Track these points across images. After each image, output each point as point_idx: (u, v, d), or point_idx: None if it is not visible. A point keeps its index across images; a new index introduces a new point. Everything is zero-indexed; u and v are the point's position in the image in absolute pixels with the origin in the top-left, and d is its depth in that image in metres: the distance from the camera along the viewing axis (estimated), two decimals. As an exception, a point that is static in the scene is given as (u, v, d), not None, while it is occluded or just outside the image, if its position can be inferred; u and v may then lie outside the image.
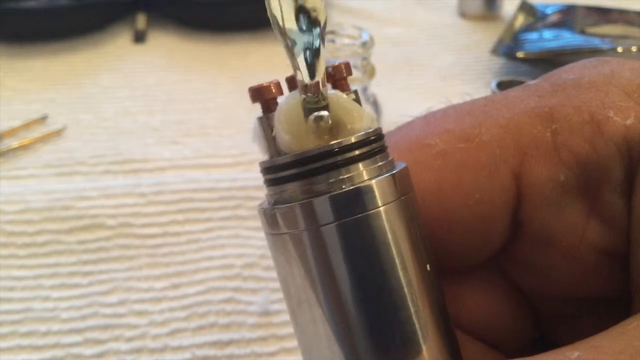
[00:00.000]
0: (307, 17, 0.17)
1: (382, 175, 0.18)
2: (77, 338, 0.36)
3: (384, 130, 0.20)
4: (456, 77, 0.66)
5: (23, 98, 0.60)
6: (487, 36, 0.73)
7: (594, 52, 0.62)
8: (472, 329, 0.23)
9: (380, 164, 0.18)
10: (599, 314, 0.22)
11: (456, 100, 0.23)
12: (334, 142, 0.18)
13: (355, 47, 0.49)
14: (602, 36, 0.66)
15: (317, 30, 0.17)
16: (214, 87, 0.63)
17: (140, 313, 0.38)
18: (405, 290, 0.17)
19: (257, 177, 0.20)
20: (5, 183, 0.48)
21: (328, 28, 0.49)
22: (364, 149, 0.18)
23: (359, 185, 0.17)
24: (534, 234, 0.21)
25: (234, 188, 0.47)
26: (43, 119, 0.56)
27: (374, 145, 0.18)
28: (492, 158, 0.20)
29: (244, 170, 0.50)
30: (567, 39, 0.66)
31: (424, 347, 0.18)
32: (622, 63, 0.20)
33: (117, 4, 0.73)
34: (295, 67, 0.17)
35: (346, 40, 0.50)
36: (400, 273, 0.17)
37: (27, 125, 0.55)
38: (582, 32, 0.67)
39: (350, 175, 0.17)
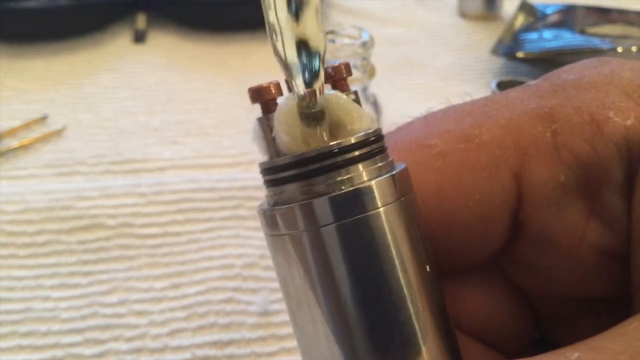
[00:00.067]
0: (307, 50, 0.17)
1: (381, 176, 0.18)
2: (77, 338, 0.36)
3: (384, 131, 0.19)
4: (456, 77, 0.66)
5: (23, 98, 0.60)
6: (487, 36, 0.73)
7: (594, 52, 0.62)
8: (472, 329, 0.23)
9: (380, 164, 0.18)
10: (599, 314, 0.22)
11: (456, 100, 0.23)
12: (334, 143, 0.18)
13: (355, 47, 0.49)
14: (602, 36, 0.66)
15: (316, 61, 0.17)
16: (214, 87, 0.63)
17: (140, 313, 0.38)
18: (405, 291, 0.17)
19: (257, 177, 0.20)
20: (5, 183, 0.48)
21: (328, 28, 0.50)
22: (364, 150, 0.18)
23: (358, 186, 0.17)
24: (534, 235, 0.21)
25: (234, 188, 0.47)
26: (43, 119, 0.56)
27: (373, 146, 0.18)
28: (492, 159, 0.20)
29: (244, 170, 0.50)
30: (567, 39, 0.66)
31: (423, 348, 0.18)
32: (622, 63, 0.20)
33: (117, 4, 0.73)
34: (289, 78, 0.17)
35: (346, 40, 0.50)
36: (400, 274, 0.17)
37: (27, 125, 0.55)
38: (582, 32, 0.67)
39: (349, 176, 0.17)
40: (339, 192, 0.17)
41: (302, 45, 0.17)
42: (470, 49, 0.71)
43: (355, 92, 0.19)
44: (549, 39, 0.66)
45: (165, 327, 0.37)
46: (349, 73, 0.19)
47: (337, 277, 0.17)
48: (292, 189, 0.18)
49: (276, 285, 0.34)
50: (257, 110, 0.19)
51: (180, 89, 0.62)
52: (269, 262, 0.40)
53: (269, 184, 0.18)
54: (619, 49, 0.62)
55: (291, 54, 0.17)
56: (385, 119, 0.53)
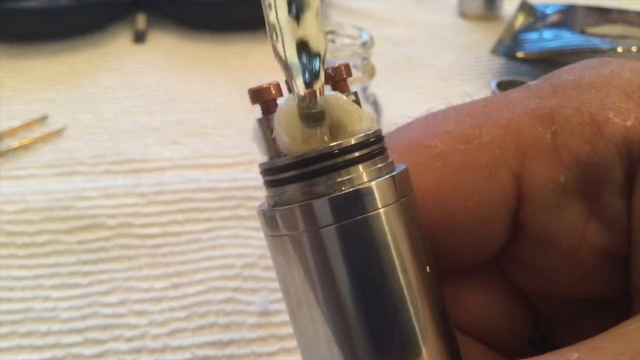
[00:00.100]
0: (307, 51, 0.17)
1: (381, 177, 0.18)
2: (77, 338, 0.36)
3: (384, 131, 0.19)
4: (456, 77, 0.66)
5: (23, 98, 0.60)
6: (487, 36, 0.73)
7: (594, 52, 0.62)
8: (472, 330, 0.23)
9: (380, 165, 0.18)
10: (598, 315, 0.22)
11: (456, 100, 0.23)
12: (334, 143, 0.17)
13: (355, 47, 0.49)
14: (602, 36, 0.66)
15: (317, 62, 0.17)
16: (214, 87, 0.63)
17: (140, 313, 0.38)
18: (405, 292, 0.17)
19: (257, 177, 0.20)
20: (5, 183, 0.48)
21: (328, 28, 0.49)
22: (364, 151, 0.18)
23: (358, 187, 0.17)
24: (534, 235, 0.21)
25: (234, 188, 0.47)
26: (43, 119, 0.56)
27: (373, 146, 0.18)
28: (492, 159, 0.20)
29: (244, 170, 0.50)
30: (567, 39, 0.66)
31: (423, 349, 0.18)
32: (622, 64, 0.20)
33: (117, 4, 0.73)
34: (289, 79, 0.17)
35: (346, 40, 0.50)
36: (400, 275, 0.17)
37: (27, 125, 0.55)
38: (582, 32, 0.67)
39: (350, 177, 0.17)
40: (339, 193, 0.17)
41: (303, 46, 0.17)
42: (470, 49, 0.71)
43: (355, 93, 0.19)
44: (549, 39, 0.66)
45: (165, 327, 0.37)
46: (349, 74, 0.19)
47: (337, 277, 0.17)
48: (292, 189, 0.18)
49: (276, 285, 0.34)
50: (257, 110, 0.19)
51: (180, 89, 0.62)
52: (269, 262, 0.40)
53: (269, 184, 0.18)
54: (619, 49, 0.62)
55: (291, 55, 0.17)
56: (385, 119, 0.53)
